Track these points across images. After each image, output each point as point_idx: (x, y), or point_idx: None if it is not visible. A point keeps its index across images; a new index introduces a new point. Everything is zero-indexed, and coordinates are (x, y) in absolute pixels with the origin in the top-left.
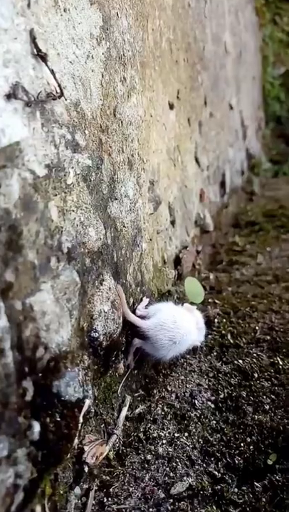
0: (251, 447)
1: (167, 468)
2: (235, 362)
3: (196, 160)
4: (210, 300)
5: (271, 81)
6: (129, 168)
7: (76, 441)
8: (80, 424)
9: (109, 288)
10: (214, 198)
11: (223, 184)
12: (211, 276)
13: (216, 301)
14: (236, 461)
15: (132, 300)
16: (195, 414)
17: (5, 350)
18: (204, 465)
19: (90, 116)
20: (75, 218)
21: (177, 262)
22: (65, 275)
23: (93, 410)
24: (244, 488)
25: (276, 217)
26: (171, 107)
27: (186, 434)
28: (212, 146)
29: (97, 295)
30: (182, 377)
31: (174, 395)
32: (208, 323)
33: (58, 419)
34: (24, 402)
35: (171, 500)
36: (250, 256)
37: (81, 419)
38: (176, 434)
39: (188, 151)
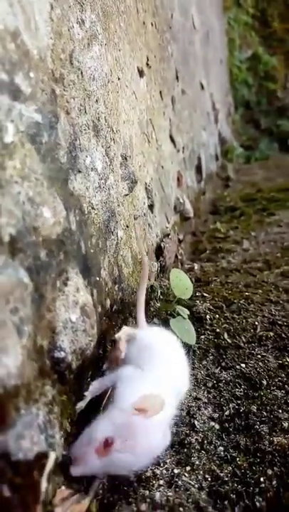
0: (274, 482)
1: None
2: (237, 367)
3: (172, 139)
4: (197, 294)
5: (238, 65)
6: (96, 135)
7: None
8: (42, 492)
9: (77, 289)
10: (191, 183)
11: (199, 169)
12: (196, 266)
13: (205, 294)
14: (258, 504)
15: (108, 302)
16: (196, 439)
17: None
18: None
19: (36, 56)
20: (19, 193)
21: (159, 252)
22: (7, 275)
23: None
24: None
25: (256, 201)
26: (141, 74)
27: (188, 468)
28: (186, 126)
29: (60, 300)
30: None
31: None
32: (200, 320)
33: (8, 494)
34: None
35: None
36: (235, 242)
37: (44, 483)
38: (175, 471)
39: (163, 129)
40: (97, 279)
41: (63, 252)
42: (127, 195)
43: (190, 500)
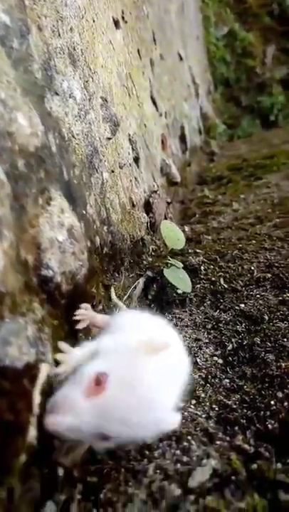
0: (285, 404)
1: (178, 452)
2: (236, 307)
3: (153, 101)
4: (190, 251)
5: (215, 42)
6: (72, 64)
7: (34, 432)
8: (35, 405)
9: (62, 210)
10: (176, 151)
11: (183, 138)
12: (186, 228)
13: (197, 250)
14: (269, 427)
15: (98, 240)
16: (200, 376)
17: None
18: (228, 438)
19: None
20: None
21: (148, 208)
22: None
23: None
24: None
25: (242, 169)
26: (117, 25)
27: (194, 401)
28: (167, 93)
29: (44, 217)
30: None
31: None
32: (194, 271)
33: None
34: None
35: (192, 497)
36: (225, 205)
37: (37, 396)
38: (180, 404)
39: (143, 88)
40: (84, 212)
41: (43, 170)
42: (110, 138)
43: (198, 428)
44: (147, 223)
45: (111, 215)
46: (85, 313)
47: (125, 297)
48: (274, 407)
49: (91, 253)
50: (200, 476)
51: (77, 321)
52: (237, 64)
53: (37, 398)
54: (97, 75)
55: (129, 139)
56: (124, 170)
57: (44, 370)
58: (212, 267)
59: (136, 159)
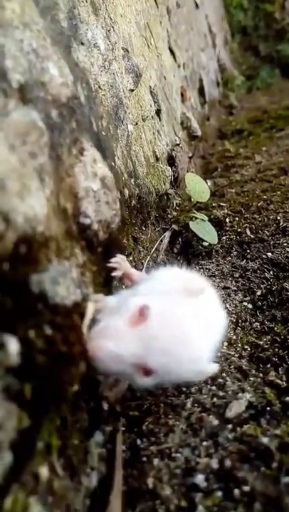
0: None
1: (213, 387)
2: (264, 256)
3: (171, 51)
4: (214, 205)
5: None
6: (94, 13)
7: (84, 364)
8: (84, 339)
9: (94, 161)
10: (195, 105)
11: (202, 91)
12: (209, 182)
13: (221, 203)
14: None
15: (126, 192)
16: (230, 320)
17: None
18: (261, 375)
19: None
20: (22, 41)
21: (171, 162)
22: (19, 115)
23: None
24: None
25: (263, 122)
26: None
27: (226, 343)
28: (184, 43)
29: (79, 167)
30: None
31: None
32: (219, 224)
33: (49, 331)
34: None
35: (230, 426)
36: (247, 158)
37: (85, 331)
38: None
39: (161, 38)
40: (112, 164)
41: (75, 121)
42: (132, 90)
43: (232, 366)
44: (171, 177)
45: (137, 168)
46: (120, 263)
47: (152, 250)
48: None
49: (121, 205)
50: (236, 408)
51: (113, 269)
52: (255, 10)
53: (85, 332)
54: (117, 24)
55: (151, 92)
56: (146, 123)
57: (90, 308)
58: (237, 219)
59: (158, 112)
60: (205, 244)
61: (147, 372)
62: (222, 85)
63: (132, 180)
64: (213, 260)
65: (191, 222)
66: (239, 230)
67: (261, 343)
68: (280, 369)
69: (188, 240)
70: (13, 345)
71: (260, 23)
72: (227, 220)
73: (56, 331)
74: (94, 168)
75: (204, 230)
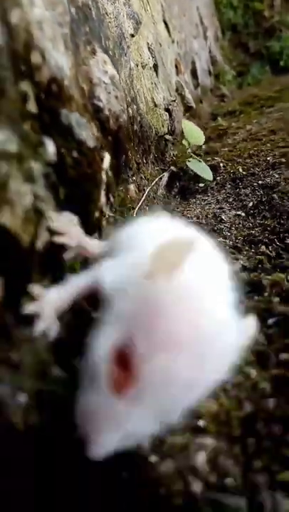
0: None
1: None
2: (255, 184)
3: (166, 24)
4: (208, 159)
5: None
6: None
7: (104, 199)
8: (104, 176)
9: (104, 62)
10: (189, 83)
11: (194, 73)
12: (203, 146)
13: (215, 158)
14: (287, 241)
15: (130, 112)
16: (225, 226)
17: None
18: (253, 250)
19: None
20: None
21: (168, 113)
22: None
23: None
24: None
25: (254, 103)
26: None
27: (221, 238)
28: (177, 25)
29: (93, 61)
30: (199, 209)
31: (195, 218)
32: (214, 168)
33: (76, 155)
34: (28, 113)
35: None
36: (239, 128)
37: (104, 174)
38: None
39: (156, 11)
40: (120, 81)
41: (88, 26)
42: (133, 36)
43: (226, 247)
44: (168, 124)
45: (138, 101)
46: (70, 230)
47: (152, 183)
48: None
49: (127, 119)
50: (233, 267)
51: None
52: (244, 8)
53: (104, 172)
54: None
55: (148, 47)
56: (145, 72)
57: (107, 158)
58: (230, 164)
59: (155, 67)
60: (201, 185)
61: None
62: (214, 77)
63: (135, 107)
64: (209, 194)
65: (188, 162)
66: (232, 171)
67: (253, 232)
68: (269, 247)
69: (184, 185)
70: (50, 146)
71: (250, 20)
72: (221, 165)
73: (82, 156)
74: (104, 67)
75: (201, 168)
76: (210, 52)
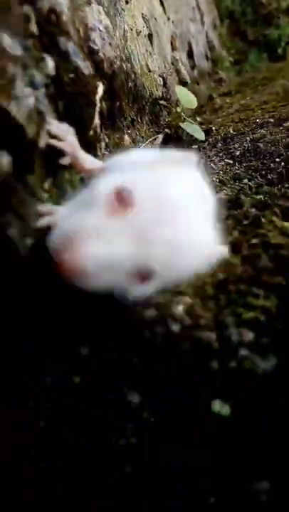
0: (283, 163)
1: None
2: (243, 139)
3: (161, 2)
4: (202, 127)
5: None
6: None
7: (98, 120)
8: (98, 101)
9: (99, 12)
10: (185, 62)
11: (190, 55)
12: (198, 118)
13: (209, 125)
14: (270, 178)
15: (124, 66)
16: (214, 172)
17: None
18: (237, 184)
19: None
20: None
21: (163, 80)
22: None
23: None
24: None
25: (250, 84)
26: None
27: (210, 180)
28: (173, 4)
29: (89, 8)
30: None
31: None
32: (206, 132)
33: (73, 76)
34: (30, 32)
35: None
36: (232, 103)
37: (98, 99)
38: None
39: None
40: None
41: None
42: (127, 2)
43: (213, 178)
44: (163, 92)
45: (132, 61)
46: (68, 140)
47: (147, 142)
48: (272, 166)
49: (119, 66)
50: (217, 195)
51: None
52: None
53: (98, 99)
54: None
55: (143, 17)
56: (140, 39)
57: (101, 87)
58: (222, 127)
59: (150, 36)
60: (194, 146)
61: (145, 276)
62: (211, 62)
63: (128, 65)
64: (202, 153)
65: (181, 124)
66: (223, 132)
67: (238, 171)
68: (252, 181)
69: (178, 146)
70: (50, 62)
71: (248, 8)
72: (213, 128)
73: (78, 78)
74: (98, 17)
75: (194, 129)
76: (207, 37)
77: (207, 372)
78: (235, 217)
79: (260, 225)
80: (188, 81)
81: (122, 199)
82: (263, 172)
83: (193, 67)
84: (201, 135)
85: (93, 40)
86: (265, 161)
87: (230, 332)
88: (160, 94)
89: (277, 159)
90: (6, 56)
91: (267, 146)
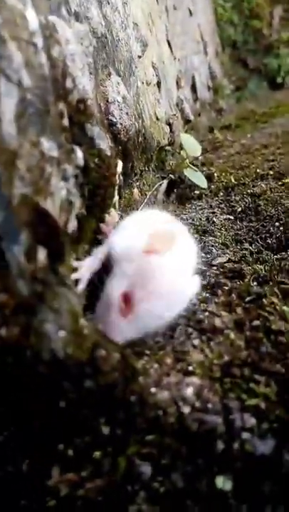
0: (281, 228)
1: (202, 253)
2: (244, 192)
3: (168, 43)
4: (204, 169)
5: (222, 4)
6: None
7: (117, 197)
8: (117, 178)
9: (118, 83)
10: (188, 98)
11: (194, 88)
12: (200, 157)
13: (210, 168)
14: (270, 242)
15: (136, 126)
16: (216, 227)
17: (38, 48)
18: (239, 247)
19: None
20: None
21: (169, 126)
22: (78, 28)
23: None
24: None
25: (250, 118)
26: None
27: (212, 237)
28: (179, 42)
29: (108, 83)
30: (194, 213)
31: (190, 220)
32: (208, 178)
33: (97, 161)
34: (63, 127)
35: (215, 268)
36: (233, 142)
37: (117, 177)
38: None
39: (161, 31)
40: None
41: (105, 53)
42: (140, 57)
43: (216, 242)
44: (168, 137)
45: (143, 116)
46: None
47: (154, 188)
48: (272, 231)
49: (133, 132)
50: (220, 259)
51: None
52: (244, 26)
53: (117, 176)
54: (129, 3)
55: (152, 66)
56: (150, 88)
57: (120, 164)
58: (223, 174)
59: (158, 84)
60: (196, 192)
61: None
62: (213, 91)
63: (140, 121)
64: (203, 201)
65: (185, 170)
66: (225, 180)
67: (239, 232)
68: (253, 245)
69: (181, 192)
70: (79, 153)
71: (249, 38)
72: (215, 174)
73: (102, 162)
74: (117, 88)
75: (196, 177)
76: (210, 67)
77: (212, 452)
78: (237, 290)
79: (262, 305)
80: (192, 118)
81: (127, 300)
82: (263, 235)
83: (195, 100)
84: (203, 183)
85: (112, 113)
86: (265, 224)
87: (234, 417)
88: (166, 141)
89: (277, 223)
90: (44, 158)
91: (267, 207)
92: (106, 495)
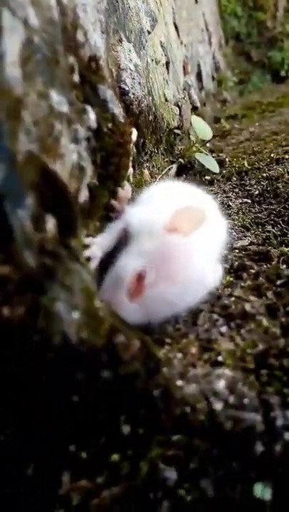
0: None
1: None
2: (259, 176)
3: (175, 26)
4: (213, 155)
5: None
6: None
7: (131, 169)
8: (131, 152)
9: (130, 50)
10: (194, 85)
11: (199, 77)
12: (208, 144)
13: (220, 154)
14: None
15: (146, 103)
16: (233, 211)
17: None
18: (260, 229)
19: None
20: None
21: (178, 108)
22: None
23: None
24: None
25: (256, 108)
26: None
27: (229, 221)
28: (186, 27)
29: (120, 48)
30: None
31: None
32: (220, 162)
33: (111, 126)
34: (74, 83)
35: (237, 251)
36: (241, 130)
37: (132, 146)
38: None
39: (168, 12)
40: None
41: (115, 17)
42: (149, 32)
43: (236, 226)
44: (178, 120)
45: (152, 93)
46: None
47: (163, 172)
48: None
49: (146, 104)
50: (242, 242)
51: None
52: (248, 18)
53: (131, 144)
54: None
55: (161, 45)
56: (158, 69)
57: (134, 133)
58: (235, 159)
59: (167, 64)
60: (207, 177)
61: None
62: (216, 82)
63: (150, 98)
64: (215, 186)
65: (196, 154)
66: (237, 165)
67: (260, 215)
68: (275, 228)
69: (192, 178)
70: (92, 114)
71: (253, 30)
72: (227, 159)
73: (116, 127)
74: (129, 56)
75: (208, 161)
76: (214, 58)
77: (249, 455)
78: (265, 273)
79: None
80: (199, 105)
81: (139, 280)
82: (286, 218)
83: (201, 88)
84: (215, 167)
85: (124, 81)
86: (287, 206)
87: (275, 414)
88: (176, 124)
89: None
90: (53, 114)
91: (287, 189)
92: (124, 504)
